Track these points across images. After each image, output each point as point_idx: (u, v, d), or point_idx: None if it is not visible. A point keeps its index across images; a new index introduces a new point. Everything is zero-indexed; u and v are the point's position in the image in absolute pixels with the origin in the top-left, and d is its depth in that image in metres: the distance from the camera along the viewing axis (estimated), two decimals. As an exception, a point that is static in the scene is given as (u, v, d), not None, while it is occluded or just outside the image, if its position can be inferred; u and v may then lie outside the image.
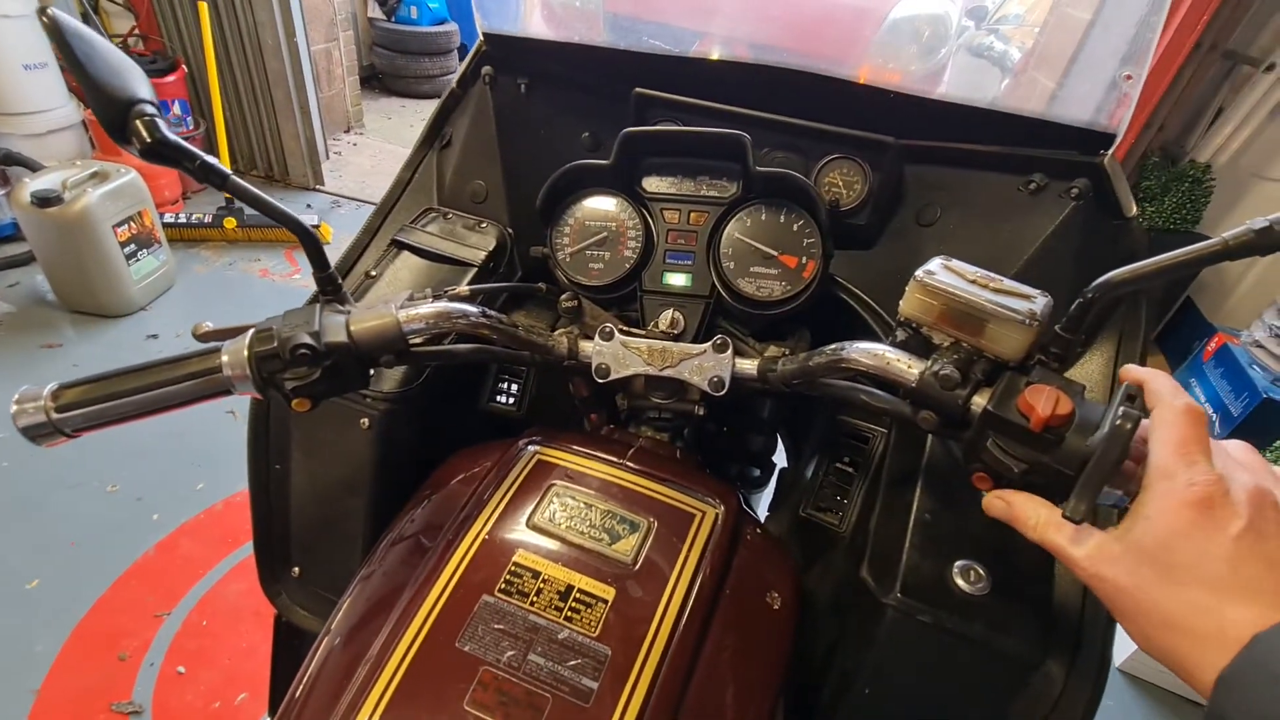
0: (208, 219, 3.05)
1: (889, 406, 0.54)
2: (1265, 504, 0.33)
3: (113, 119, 0.49)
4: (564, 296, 0.73)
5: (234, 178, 0.55)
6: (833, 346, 0.58)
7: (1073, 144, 0.71)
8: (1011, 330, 0.47)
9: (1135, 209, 0.69)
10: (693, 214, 0.77)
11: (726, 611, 0.58)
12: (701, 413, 0.73)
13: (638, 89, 0.84)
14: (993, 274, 0.51)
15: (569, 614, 0.53)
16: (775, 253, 0.74)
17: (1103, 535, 0.38)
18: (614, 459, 0.67)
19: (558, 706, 0.48)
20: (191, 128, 3.38)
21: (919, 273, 0.51)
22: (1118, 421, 0.38)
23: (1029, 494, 0.43)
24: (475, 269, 0.83)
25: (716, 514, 0.63)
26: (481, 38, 0.88)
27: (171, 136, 0.51)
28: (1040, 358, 0.48)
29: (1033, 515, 0.43)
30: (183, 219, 3.02)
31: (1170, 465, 0.36)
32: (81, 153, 3.07)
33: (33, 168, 2.63)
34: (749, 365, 0.68)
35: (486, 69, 0.88)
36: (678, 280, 0.76)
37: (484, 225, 0.89)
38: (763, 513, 0.94)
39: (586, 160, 0.74)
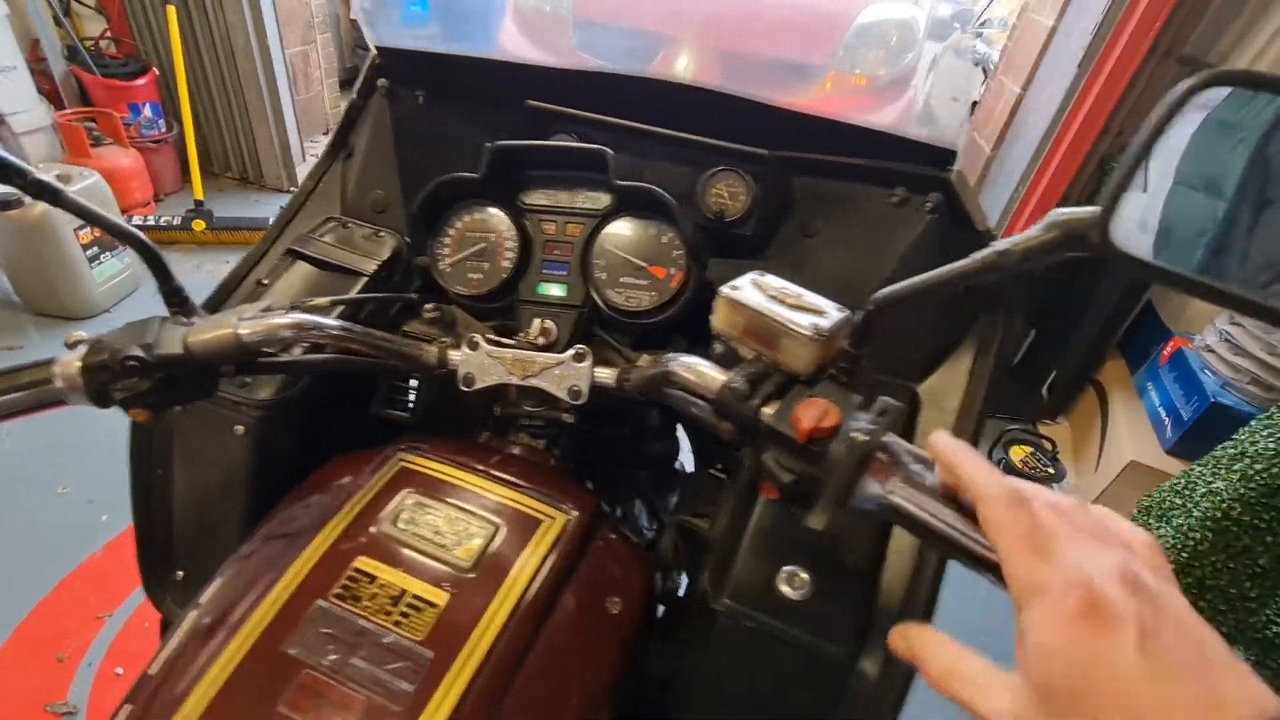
0: (176, 221, 3.06)
1: (705, 417, 0.56)
2: (1137, 589, 0.29)
3: None
4: (427, 306, 0.74)
5: (66, 193, 0.56)
6: (666, 357, 0.60)
7: (927, 160, 0.73)
8: (799, 344, 0.48)
9: (987, 224, 0.71)
10: (569, 225, 0.78)
11: (561, 616, 0.59)
12: (571, 420, 0.74)
13: (529, 101, 0.86)
14: (800, 290, 0.53)
15: (398, 618, 0.54)
16: (644, 264, 0.75)
17: (1007, 680, 0.31)
18: (478, 466, 0.69)
19: (367, 708, 0.49)
20: (164, 130, 3.39)
21: (724, 288, 0.53)
22: (851, 434, 0.40)
23: (933, 632, 0.37)
24: (366, 278, 0.84)
25: (567, 520, 0.65)
26: (374, 50, 0.90)
27: (8, 158, 0.52)
28: (832, 371, 0.49)
29: (933, 654, 0.36)
30: (151, 221, 3.03)
31: (1031, 574, 0.31)
32: (52, 155, 3.07)
33: (-2, 170, 2.64)
34: (608, 375, 0.70)
35: (382, 81, 0.90)
36: (554, 290, 0.78)
37: (381, 235, 0.90)
38: None
39: (458, 174, 0.76)
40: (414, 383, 0.92)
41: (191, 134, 3.13)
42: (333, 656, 0.52)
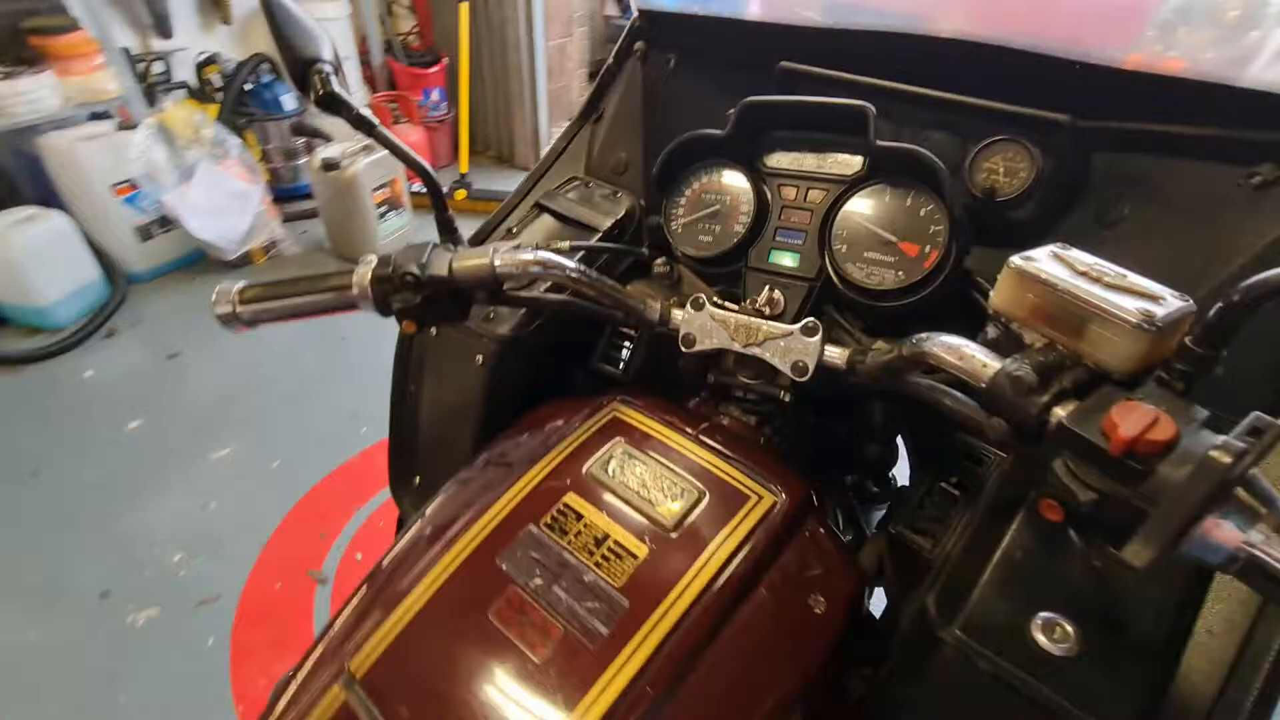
0: (444, 189, 3.54)
1: (964, 410, 0.48)
2: None
3: (295, 72, 0.61)
4: (658, 261, 0.74)
5: (380, 128, 0.64)
6: (916, 338, 0.52)
7: None
8: (1117, 334, 0.38)
9: None
10: (811, 191, 0.73)
11: (760, 600, 0.55)
12: (787, 400, 0.69)
13: (782, 63, 0.82)
14: (1119, 268, 0.42)
15: (599, 560, 0.55)
16: (894, 238, 0.67)
17: None
18: (687, 429, 0.67)
19: (566, 639, 0.50)
20: (445, 112, 3.95)
21: (1015, 259, 0.44)
22: (1213, 452, 0.30)
23: None
24: (600, 234, 0.88)
25: (775, 502, 0.61)
26: (636, 13, 0.92)
27: (339, 91, 0.62)
28: (1160, 374, 0.38)
29: None
30: (422, 189, 3.54)
31: None
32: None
33: (329, 140, 3.28)
34: (838, 355, 0.64)
35: (639, 44, 0.92)
36: (786, 260, 0.73)
37: (619, 195, 0.93)
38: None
39: (702, 131, 0.74)
40: (629, 343, 0.94)
41: (466, 116, 3.60)
42: (538, 580, 0.54)
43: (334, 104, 0.62)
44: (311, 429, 2.26)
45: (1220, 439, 0.31)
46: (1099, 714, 0.43)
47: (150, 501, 2.00)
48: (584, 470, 0.63)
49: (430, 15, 3.92)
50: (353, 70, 3.63)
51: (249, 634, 1.65)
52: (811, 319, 0.65)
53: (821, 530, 0.63)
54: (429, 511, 0.70)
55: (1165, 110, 0.63)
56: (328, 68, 0.62)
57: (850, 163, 0.71)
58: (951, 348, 0.47)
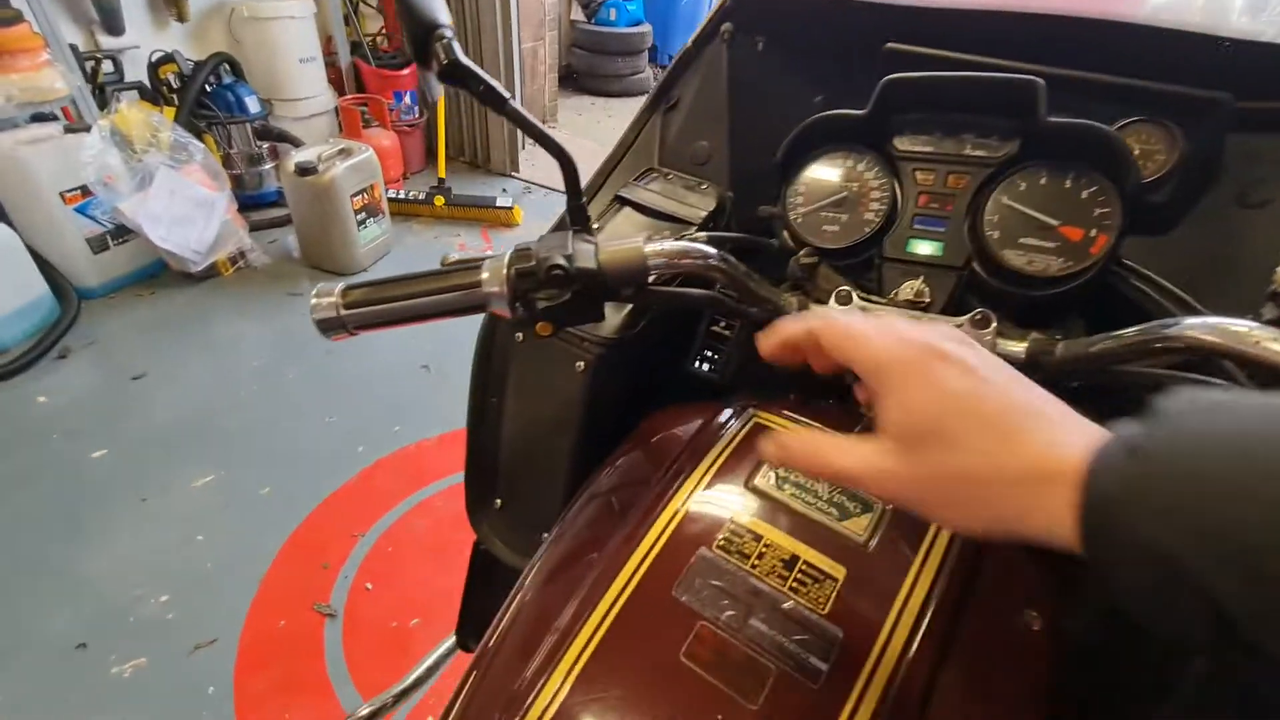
0: (422, 196, 3.41)
1: None
2: (964, 343, 0.35)
3: (417, 41, 0.53)
4: (803, 252, 0.68)
5: (512, 103, 0.57)
6: (1146, 325, 0.48)
7: None
8: None
9: None
10: (951, 176, 0.68)
11: (975, 619, 0.50)
12: None
13: (889, 44, 0.77)
14: None
15: (794, 585, 0.49)
16: (1055, 222, 0.63)
17: (875, 443, 0.35)
18: (840, 432, 0.61)
19: (782, 680, 0.44)
20: (417, 116, 3.81)
21: None
22: None
23: (805, 430, 0.41)
24: (694, 227, 0.81)
25: None
26: (725, -7, 0.86)
27: (465, 60, 0.54)
28: None
29: (806, 449, 0.39)
30: (401, 194, 3.40)
31: (878, 356, 0.35)
32: (331, 134, 3.57)
33: (296, 144, 3.11)
34: (1016, 348, 0.59)
35: (727, 25, 0.86)
36: (925, 248, 0.68)
37: (704, 186, 0.87)
38: None
39: (838, 111, 0.69)
40: (719, 343, 0.88)
41: (443, 120, 3.47)
42: (729, 612, 0.47)
43: (460, 75, 0.54)
44: (302, 451, 2.10)
45: None
46: None
47: (125, 538, 1.81)
48: (747, 484, 0.56)
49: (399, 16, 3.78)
50: (318, 70, 3.46)
51: (254, 678, 1.50)
52: (982, 310, 0.60)
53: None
54: (564, 536, 0.62)
55: None
56: (449, 34, 0.54)
57: (995, 144, 0.67)
58: (1229, 331, 0.43)
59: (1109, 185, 0.62)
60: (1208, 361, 0.43)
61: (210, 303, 2.78)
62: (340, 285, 0.57)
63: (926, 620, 0.47)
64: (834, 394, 0.75)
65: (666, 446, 0.66)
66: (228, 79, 3.11)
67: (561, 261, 0.53)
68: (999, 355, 0.59)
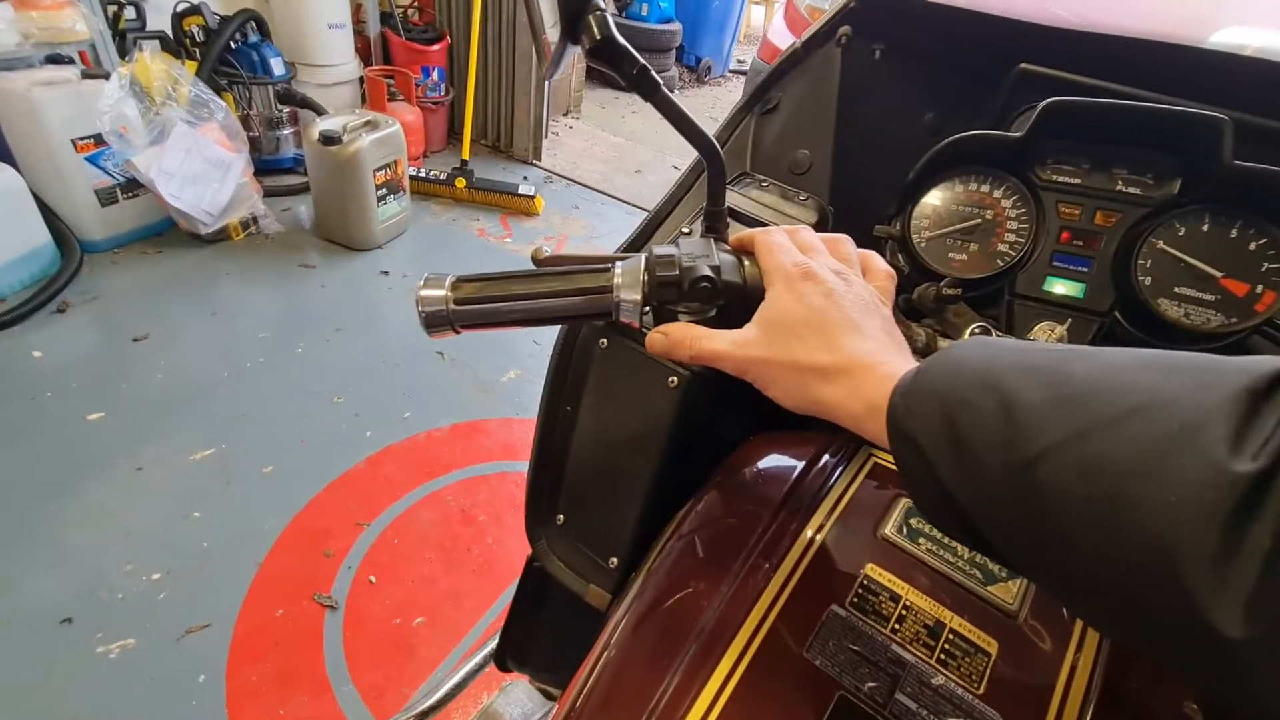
0: (443, 176, 3.33)
1: None
2: (840, 274, 0.44)
3: (571, 10, 0.47)
4: (945, 282, 0.62)
5: (664, 90, 0.51)
6: None
7: None
8: None
9: None
10: (1100, 212, 0.63)
11: (1140, 709, 0.44)
12: None
13: (1024, 65, 0.72)
14: None
15: (942, 656, 0.43)
16: (1218, 274, 0.58)
17: (743, 331, 0.45)
18: None
19: None
20: (443, 94, 3.72)
21: None
22: None
23: (689, 324, 0.48)
24: None
25: None
26: (850, -7, 0.80)
27: (620, 39, 0.48)
28: None
29: (685, 335, 0.47)
30: (423, 173, 3.32)
31: (775, 262, 0.45)
32: (355, 104, 3.48)
33: (319, 112, 3.02)
34: None
35: (845, 29, 0.80)
36: (1064, 289, 0.63)
37: (804, 198, 0.81)
38: None
39: (987, 131, 0.64)
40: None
41: (471, 100, 3.39)
42: (871, 683, 0.42)
43: (612, 54, 0.48)
44: (307, 431, 2.02)
45: None
46: None
47: (117, 509, 1.72)
48: (877, 533, 0.51)
49: (432, -10, 3.69)
50: (346, 38, 3.36)
51: (248, 668, 1.43)
52: None
53: None
54: (659, 578, 0.56)
55: None
56: (603, 7, 0.48)
57: (1151, 183, 0.62)
58: None
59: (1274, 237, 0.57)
60: None
61: (218, 267, 2.68)
62: (450, 277, 0.50)
63: (1093, 703, 0.42)
64: None
65: (770, 482, 0.60)
66: (254, 37, 3.00)
67: (709, 273, 0.47)
68: None
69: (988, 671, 0.43)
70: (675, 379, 0.68)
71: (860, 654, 0.43)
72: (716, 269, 0.48)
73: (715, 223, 0.54)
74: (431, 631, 1.54)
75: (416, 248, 3.02)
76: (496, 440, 2.09)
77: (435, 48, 3.55)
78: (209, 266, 2.68)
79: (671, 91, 0.55)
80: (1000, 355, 0.33)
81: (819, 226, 0.78)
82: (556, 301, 0.50)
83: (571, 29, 0.48)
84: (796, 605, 0.46)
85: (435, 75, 3.62)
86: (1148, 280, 0.60)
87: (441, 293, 0.49)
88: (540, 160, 3.98)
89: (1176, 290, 0.59)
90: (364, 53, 3.61)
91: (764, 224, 0.77)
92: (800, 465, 0.59)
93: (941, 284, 0.63)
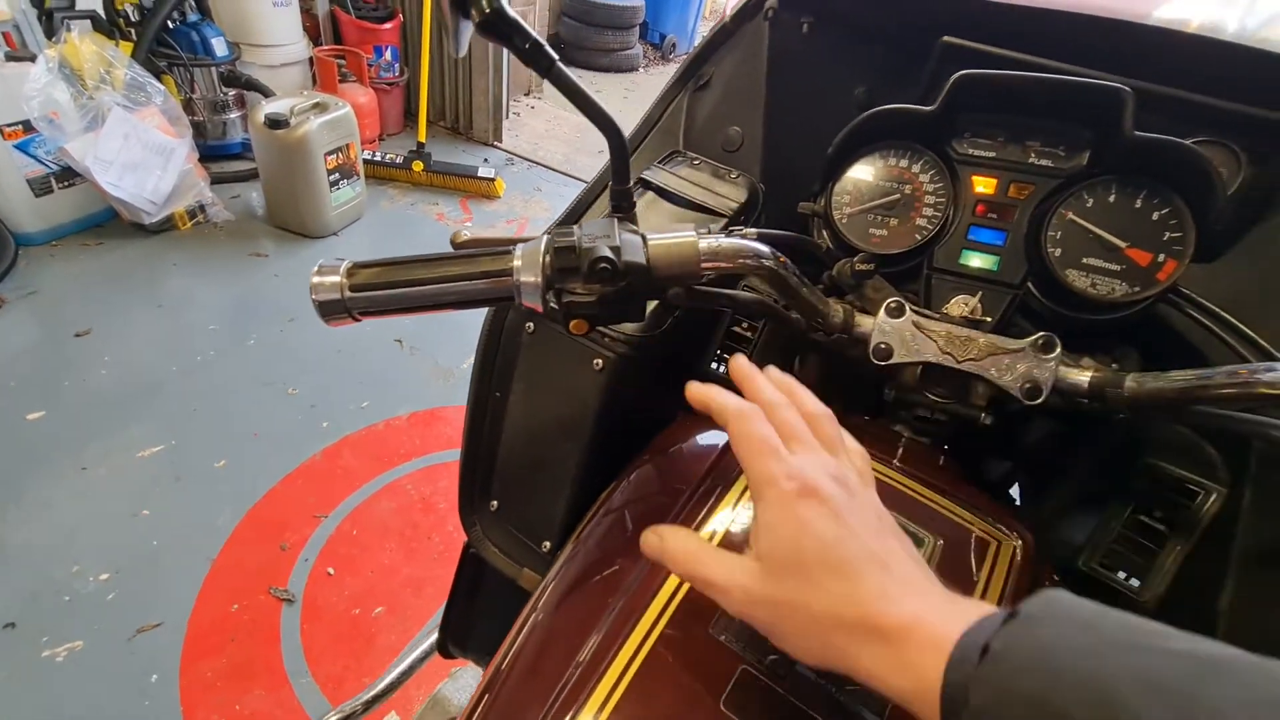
0: (399, 160, 3.25)
1: None
2: (842, 483, 0.37)
3: None
4: (858, 258, 0.63)
5: (559, 66, 0.49)
6: (1228, 369, 0.45)
7: None
8: None
9: None
10: (1013, 185, 0.64)
11: None
12: (989, 422, 0.60)
13: (946, 38, 0.72)
14: None
15: None
16: (1123, 244, 0.59)
17: (740, 561, 0.37)
18: (881, 455, 0.57)
19: None
20: (397, 74, 3.62)
21: None
22: None
23: (684, 531, 0.41)
24: (726, 219, 0.75)
25: (1015, 547, 0.51)
26: (772, -36, 0.79)
27: (511, 12, 0.47)
28: None
29: (681, 549, 0.40)
30: (378, 157, 3.23)
31: (763, 471, 0.37)
32: (305, 86, 3.37)
33: (266, 94, 2.92)
34: (1079, 376, 0.55)
35: (771, 2, 0.79)
36: (979, 261, 0.63)
37: (735, 175, 0.80)
38: None
39: (902, 105, 0.64)
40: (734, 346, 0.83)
41: (426, 81, 3.30)
42: (773, 656, 0.42)
43: (503, 29, 0.46)
44: (262, 423, 1.98)
45: None
46: None
47: (62, 509, 1.67)
48: None
49: (383, -34, 3.57)
50: (292, 16, 3.24)
51: (202, 665, 1.41)
52: (1047, 334, 0.56)
53: (1055, 578, 0.55)
54: (568, 567, 0.56)
55: None
56: None
57: (1062, 155, 0.62)
58: None
59: (1183, 208, 0.58)
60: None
61: (164, 258, 2.59)
62: (345, 263, 0.49)
63: None
64: (867, 407, 0.71)
65: (690, 462, 0.61)
66: (193, 16, 2.88)
67: (608, 253, 0.46)
68: (1063, 383, 0.55)
69: None
70: (600, 361, 0.68)
71: None
72: (617, 250, 0.47)
73: (621, 201, 0.53)
74: (392, 620, 1.54)
75: (373, 234, 2.96)
76: (457, 427, 2.07)
77: (387, 26, 3.45)
78: (154, 258, 2.59)
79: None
80: (1110, 654, 0.25)
81: (750, 204, 0.78)
82: (456, 286, 0.49)
83: (461, 2, 0.46)
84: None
85: (389, 55, 3.52)
86: (1057, 251, 0.61)
87: (335, 279, 0.48)
88: (501, 141, 3.91)
89: (1084, 261, 0.60)
90: (313, 32, 3.49)
91: (693, 204, 0.76)
92: (720, 444, 0.60)
93: (855, 260, 0.63)
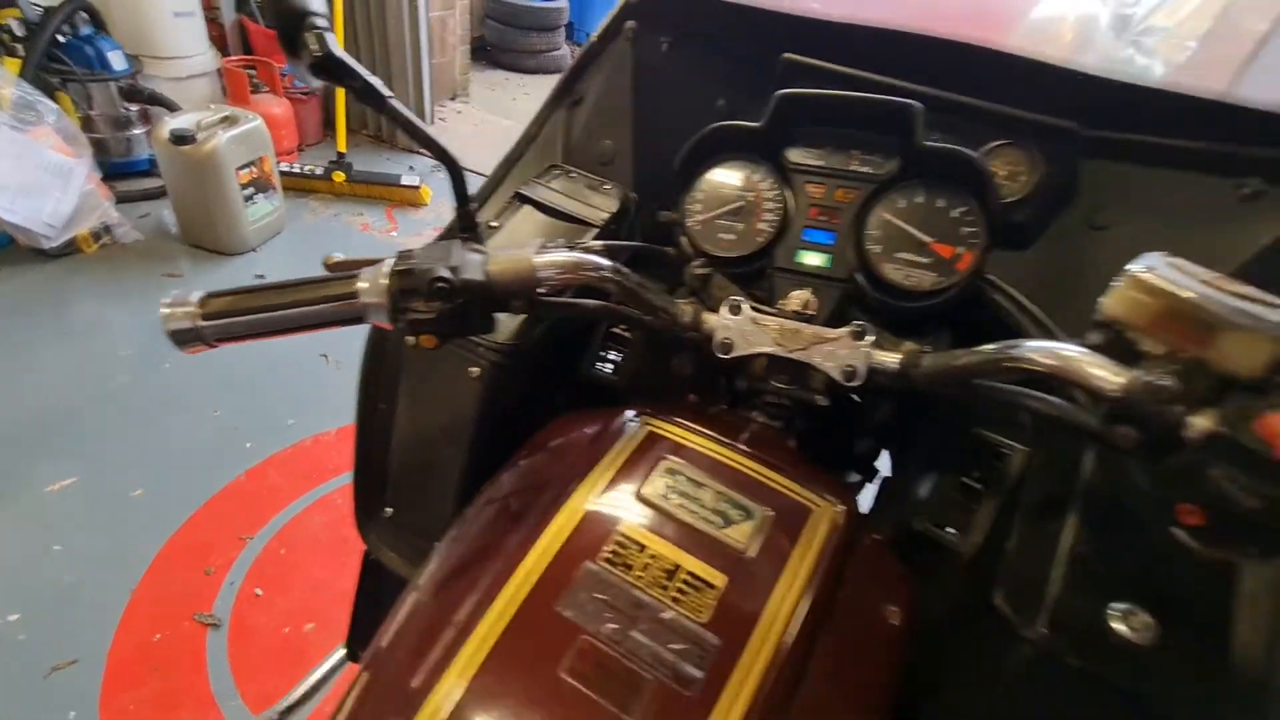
0: (319, 171, 3.19)
1: (1067, 417, 0.48)
2: None
3: (286, 30, 0.49)
4: (696, 263, 0.69)
5: (392, 101, 0.53)
6: (996, 345, 0.52)
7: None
8: (1253, 343, 0.39)
9: None
10: (839, 190, 0.71)
11: (840, 620, 0.53)
12: (825, 403, 0.67)
13: (786, 55, 0.79)
14: (1227, 277, 0.44)
15: (675, 595, 0.50)
16: (928, 239, 0.67)
17: None
18: (727, 440, 0.63)
19: (658, 690, 0.45)
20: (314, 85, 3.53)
21: (1134, 267, 0.44)
22: None
23: None
24: (597, 229, 0.80)
25: (835, 514, 0.58)
26: (628, -12, 0.85)
27: (339, 53, 0.50)
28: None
29: None
30: (297, 169, 3.17)
31: None
32: (214, 99, 3.26)
33: (172, 108, 2.82)
34: (889, 358, 0.63)
35: (630, 24, 0.85)
36: (813, 260, 0.71)
37: (608, 186, 0.86)
38: None
39: (736, 121, 0.70)
40: (617, 347, 0.88)
41: (342, 90, 3.24)
42: (611, 625, 0.48)
43: (336, 69, 0.50)
44: (182, 449, 1.93)
45: None
46: (1184, 701, 0.45)
47: (-35, 551, 1.60)
48: (636, 494, 0.57)
49: (291, -28, 3.48)
50: (197, 27, 3.14)
51: (124, 698, 1.38)
52: (861, 324, 0.63)
53: (874, 537, 0.62)
54: (439, 558, 0.60)
55: (1163, 122, 0.67)
56: (322, 23, 0.50)
57: (880, 162, 0.70)
58: (1061, 355, 0.47)
59: (976, 206, 0.66)
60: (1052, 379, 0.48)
61: (69, 283, 2.48)
62: (198, 294, 0.52)
63: (797, 621, 0.50)
64: (727, 398, 0.77)
65: (562, 454, 0.66)
66: (85, 29, 2.76)
67: (445, 274, 0.51)
68: (877, 365, 0.63)
69: (715, 604, 0.49)
70: (476, 370, 0.72)
71: (605, 601, 0.49)
72: (455, 269, 0.52)
73: (465, 223, 0.58)
74: (324, 634, 1.54)
75: (294, 247, 2.90)
76: (388, 439, 2.06)
77: (299, 35, 3.37)
78: (58, 284, 2.48)
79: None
80: None
81: (622, 214, 0.84)
82: (308, 310, 0.52)
83: (290, 45, 0.50)
84: (557, 564, 0.52)
85: (302, 64, 3.43)
86: (877, 248, 0.69)
87: (187, 310, 0.51)
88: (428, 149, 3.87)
89: (899, 255, 0.68)
90: (220, 42, 3.39)
91: (566, 215, 0.81)
92: (590, 436, 0.65)
93: (693, 264, 0.69)
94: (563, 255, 0.56)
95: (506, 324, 0.73)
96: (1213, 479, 0.38)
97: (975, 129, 0.75)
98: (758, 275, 0.73)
